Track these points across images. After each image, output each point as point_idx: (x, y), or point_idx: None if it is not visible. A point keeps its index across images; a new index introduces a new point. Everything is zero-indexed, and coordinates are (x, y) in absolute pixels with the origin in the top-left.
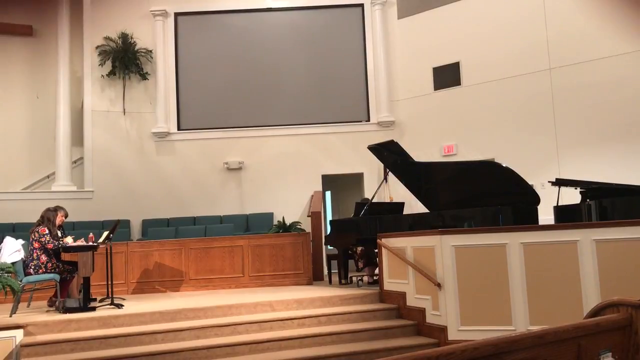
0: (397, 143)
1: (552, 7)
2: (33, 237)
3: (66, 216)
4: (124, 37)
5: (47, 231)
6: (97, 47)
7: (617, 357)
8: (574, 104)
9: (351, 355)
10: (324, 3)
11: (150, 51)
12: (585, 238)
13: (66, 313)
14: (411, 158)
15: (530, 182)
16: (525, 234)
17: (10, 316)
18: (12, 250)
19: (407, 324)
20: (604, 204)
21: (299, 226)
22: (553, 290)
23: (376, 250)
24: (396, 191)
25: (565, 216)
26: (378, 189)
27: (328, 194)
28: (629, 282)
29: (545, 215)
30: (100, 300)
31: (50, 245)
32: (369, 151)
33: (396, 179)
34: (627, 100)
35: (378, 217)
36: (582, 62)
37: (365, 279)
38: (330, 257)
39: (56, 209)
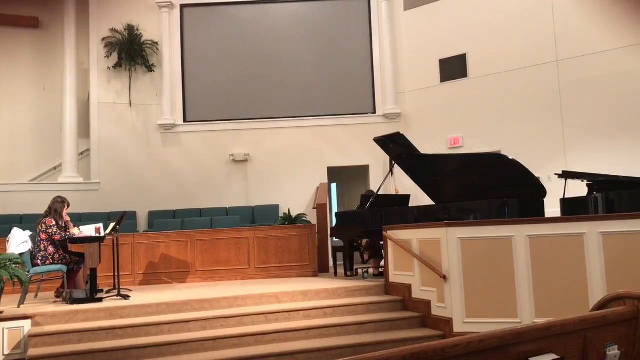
0: (403, 135)
1: None
2: (40, 228)
3: (68, 207)
4: (130, 29)
5: (54, 222)
6: (103, 39)
7: (624, 349)
8: (581, 96)
9: (356, 347)
10: None
11: (156, 43)
12: (592, 231)
13: (73, 304)
14: (417, 150)
15: (536, 175)
16: (531, 227)
17: (19, 307)
18: (20, 241)
19: (412, 316)
20: (611, 196)
21: (304, 218)
22: (559, 282)
23: (382, 243)
24: (402, 183)
25: (572, 209)
26: (384, 181)
27: (334, 186)
28: (636, 275)
29: (552, 207)
30: (107, 292)
31: (57, 237)
32: (374, 143)
33: (402, 171)
34: (635, 93)
35: (384, 209)
36: (589, 54)
37: (371, 271)
38: (335, 249)
39: (63, 200)
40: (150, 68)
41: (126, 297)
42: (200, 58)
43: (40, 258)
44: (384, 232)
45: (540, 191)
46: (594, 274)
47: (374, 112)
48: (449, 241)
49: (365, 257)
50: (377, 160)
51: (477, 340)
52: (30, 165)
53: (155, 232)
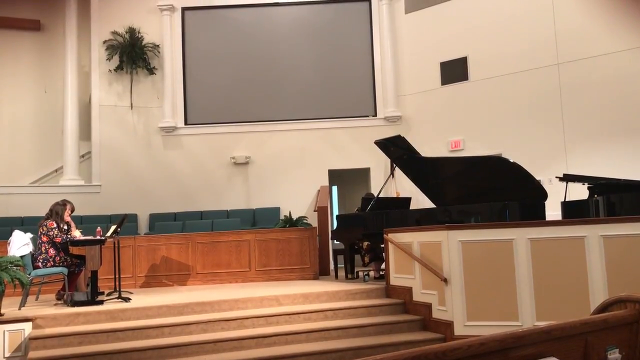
0: (403, 138)
1: (560, 1)
2: (41, 230)
3: (72, 211)
4: (131, 31)
5: (55, 225)
6: (104, 42)
7: (624, 353)
8: (582, 99)
9: (357, 350)
10: None
11: (158, 46)
12: (593, 234)
13: (74, 306)
14: (418, 153)
15: (537, 178)
16: (532, 230)
17: (19, 309)
18: (21, 243)
19: (413, 319)
20: (612, 199)
21: (305, 221)
22: (560, 286)
23: (382, 245)
24: (403, 186)
25: (573, 212)
26: (385, 184)
27: (334, 188)
28: (637, 278)
29: (553, 210)
30: (108, 294)
31: (58, 239)
32: (375, 146)
33: (403, 174)
34: (636, 96)
35: (384, 212)
36: (590, 57)
37: (372, 273)
38: (336, 252)
39: (65, 203)
40: (151, 71)
41: (127, 299)
42: (202, 61)
43: (41, 260)
44: (384, 235)
45: (541, 194)
46: (595, 277)
47: (375, 115)
48: (450, 244)
49: (366, 259)
50: (378, 163)
51: (477, 344)
52: (31, 168)
53: (156, 234)
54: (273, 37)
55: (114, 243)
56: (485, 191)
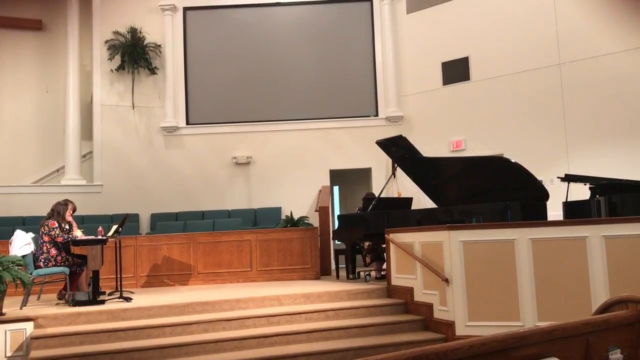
0: (405, 138)
1: (562, 1)
2: (43, 230)
3: (74, 210)
4: (133, 31)
5: (56, 225)
6: (106, 42)
7: (626, 353)
8: (583, 99)
9: (358, 350)
10: None
11: (159, 45)
12: (595, 234)
13: (75, 306)
14: (419, 153)
15: (539, 178)
16: (534, 230)
17: (21, 309)
18: (23, 243)
19: (414, 319)
20: (614, 199)
21: (306, 221)
22: (561, 286)
23: (384, 245)
24: (404, 186)
25: (575, 212)
26: (386, 184)
27: (336, 188)
28: (638, 278)
29: (554, 211)
30: (109, 294)
31: (60, 239)
32: (377, 146)
33: (404, 174)
34: (638, 96)
35: (386, 212)
36: (592, 57)
37: (373, 274)
38: (337, 252)
39: (66, 203)
40: (153, 70)
41: (128, 299)
42: (203, 61)
43: (42, 260)
44: (386, 235)
45: (542, 194)
46: (596, 278)
47: (377, 115)
48: (451, 244)
49: (368, 260)
50: (380, 163)
51: (479, 344)
52: (33, 168)
53: (158, 234)
54: (275, 37)
55: (116, 243)
56: (487, 191)
